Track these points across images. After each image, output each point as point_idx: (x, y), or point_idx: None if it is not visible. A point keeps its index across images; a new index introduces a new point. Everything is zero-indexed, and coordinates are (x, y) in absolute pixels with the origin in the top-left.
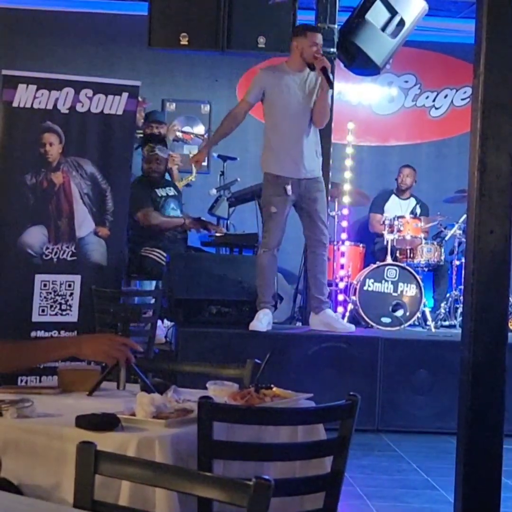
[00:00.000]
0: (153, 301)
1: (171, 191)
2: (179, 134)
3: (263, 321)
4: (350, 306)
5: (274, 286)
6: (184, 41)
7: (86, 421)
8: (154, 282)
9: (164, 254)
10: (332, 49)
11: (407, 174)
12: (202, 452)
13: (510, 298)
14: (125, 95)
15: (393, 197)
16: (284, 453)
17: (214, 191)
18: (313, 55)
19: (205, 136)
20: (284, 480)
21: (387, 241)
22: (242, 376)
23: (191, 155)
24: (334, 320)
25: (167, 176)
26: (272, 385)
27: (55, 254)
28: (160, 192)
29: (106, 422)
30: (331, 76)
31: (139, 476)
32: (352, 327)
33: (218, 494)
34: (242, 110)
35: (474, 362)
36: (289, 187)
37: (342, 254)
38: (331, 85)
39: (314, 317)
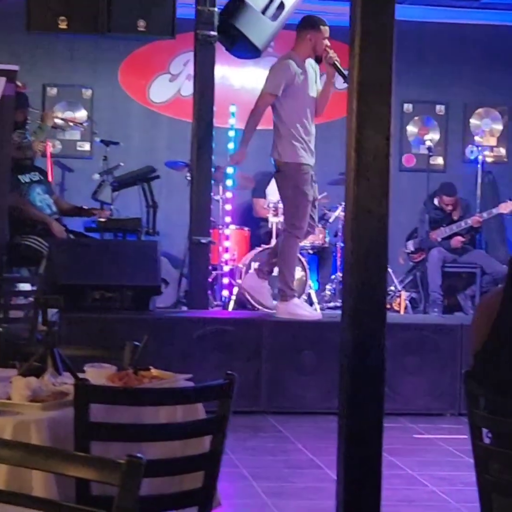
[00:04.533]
0: (34, 287)
1: (36, 177)
2: (58, 120)
3: (305, 307)
4: (235, 290)
5: None
6: (63, 25)
7: None
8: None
9: (41, 240)
10: (212, 32)
11: None
12: (79, 434)
13: (393, 277)
14: (2, 79)
15: (274, 180)
16: (163, 433)
17: (97, 176)
18: (324, 48)
19: (85, 123)
20: (163, 460)
21: (272, 224)
22: (121, 359)
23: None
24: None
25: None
26: (150, 367)
27: None
28: (24, 178)
29: None
30: (343, 70)
31: (10, 457)
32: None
33: (90, 473)
34: (269, 103)
35: (354, 342)
36: (313, 173)
37: (227, 238)
38: (346, 79)
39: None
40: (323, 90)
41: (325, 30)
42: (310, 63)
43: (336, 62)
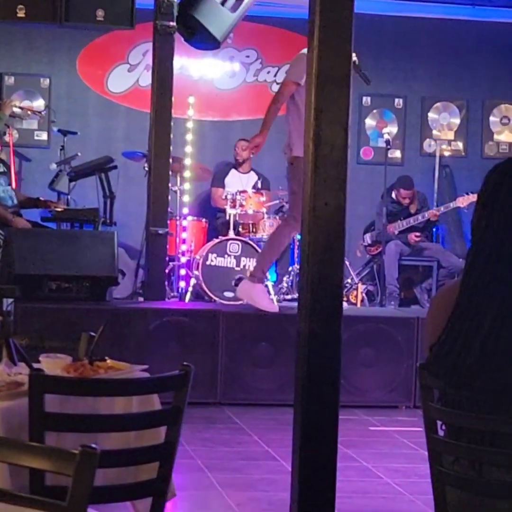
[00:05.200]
0: None
1: (1, 168)
2: (16, 109)
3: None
4: (192, 281)
5: None
6: (21, 13)
7: None
8: None
9: None
10: (171, 23)
11: (243, 146)
12: (33, 425)
13: (350, 270)
14: None
15: (233, 171)
16: (118, 424)
17: (54, 166)
18: None
19: (43, 112)
20: (118, 451)
21: (230, 216)
22: (76, 349)
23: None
24: None
25: None
26: (106, 358)
27: None
28: None
29: None
30: (364, 72)
31: None
32: None
33: (44, 464)
34: (292, 91)
35: (310, 334)
36: None
37: (184, 229)
38: (367, 81)
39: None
40: None
41: None
42: None
43: (357, 63)
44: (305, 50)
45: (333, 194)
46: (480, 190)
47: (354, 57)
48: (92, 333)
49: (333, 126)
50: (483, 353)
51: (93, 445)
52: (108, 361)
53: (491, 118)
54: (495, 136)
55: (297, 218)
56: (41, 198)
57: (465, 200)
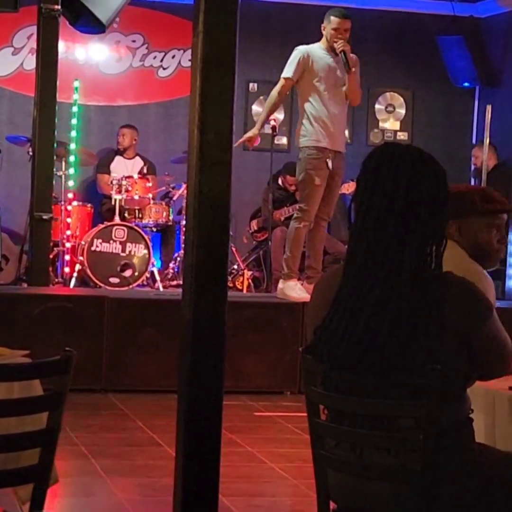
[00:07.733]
0: None
1: None
2: None
3: (296, 289)
4: (77, 267)
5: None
6: None
7: None
8: None
9: None
10: (56, 6)
11: (124, 133)
12: None
13: (236, 256)
14: None
15: (118, 157)
16: None
17: None
18: (333, 38)
19: None
20: None
21: (115, 201)
22: None
23: None
24: None
25: None
26: None
27: None
28: None
29: None
30: (348, 60)
31: None
32: None
33: None
34: (288, 88)
35: (194, 319)
36: (330, 162)
37: (69, 214)
38: (347, 67)
39: (307, 287)
40: (347, 79)
41: (336, 21)
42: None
43: (344, 51)
44: (300, 47)
45: (218, 179)
46: (359, 175)
47: (343, 46)
48: None
49: (218, 111)
50: (367, 332)
51: None
52: None
53: (377, 106)
54: (380, 124)
55: (303, 208)
56: None
57: (351, 187)
